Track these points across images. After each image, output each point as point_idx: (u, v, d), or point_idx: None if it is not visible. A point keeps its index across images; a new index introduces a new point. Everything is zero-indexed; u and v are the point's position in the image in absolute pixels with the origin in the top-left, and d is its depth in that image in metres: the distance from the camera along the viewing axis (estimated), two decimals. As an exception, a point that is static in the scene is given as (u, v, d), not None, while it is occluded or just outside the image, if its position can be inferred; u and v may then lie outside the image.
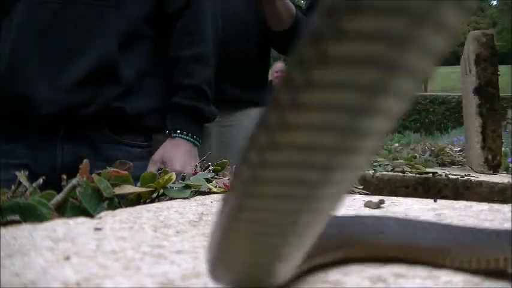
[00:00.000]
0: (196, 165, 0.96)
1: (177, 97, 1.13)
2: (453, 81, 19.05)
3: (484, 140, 1.60)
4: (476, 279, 0.32)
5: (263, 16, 1.45)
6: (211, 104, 1.15)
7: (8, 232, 0.45)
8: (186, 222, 0.53)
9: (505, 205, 0.62)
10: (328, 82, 0.17)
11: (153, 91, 1.15)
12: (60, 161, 1.07)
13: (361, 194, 0.90)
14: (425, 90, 20.41)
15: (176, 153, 1.09)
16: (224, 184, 0.78)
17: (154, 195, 0.70)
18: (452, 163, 1.88)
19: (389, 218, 0.38)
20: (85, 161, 0.63)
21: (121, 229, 0.48)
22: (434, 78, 21.54)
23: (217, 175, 0.88)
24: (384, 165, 1.48)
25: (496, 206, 0.62)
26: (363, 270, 0.34)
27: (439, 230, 0.35)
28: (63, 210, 0.57)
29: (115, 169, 0.66)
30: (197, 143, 1.13)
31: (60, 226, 0.47)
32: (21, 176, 0.59)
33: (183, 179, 0.78)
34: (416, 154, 1.74)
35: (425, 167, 1.52)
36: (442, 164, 1.83)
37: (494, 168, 1.60)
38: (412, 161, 1.56)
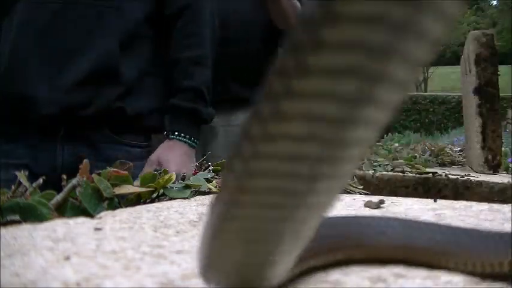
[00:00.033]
0: (196, 165, 0.96)
1: (176, 99, 1.13)
2: (453, 81, 19.06)
3: (484, 140, 1.60)
4: (475, 279, 0.32)
5: (269, 15, 1.45)
6: (208, 106, 1.15)
7: (8, 232, 0.45)
8: (186, 222, 0.53)
9: (505, 205, 0.62)
10: (309, 92, 0.17)
11: (153, 91, 1.15)
12: (60, 161, 1.07)
13: (361, 194, 0.90)
14: (425, 90, 20.42)
15: (172, 155, 1.10)
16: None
17: (154, 195, 0.70)
18: (452, 163, 1.88)
19: (391, 219, 0.38)
20: (85, 161, 0.63)
21: (121, 229, 0.48)
22: (434, 78, 21.54)
23: (217, 175, 0.88)
24: (384, 165, 1.48)
25: (496, 206, 0.62)
26: (363, 270, 0.34)
27: (442, 232, 0.35)
28: (63, 210, 0.57)
29: (115, 169, 0.66)
30: (194, 144, 1.14)
31: (60, 226, 0.48)
32: (21, 176, 0.59)
33: (183, 179, 0.78)
34: (416, 154, 1.74)
35: (425, 167, 1.52)
36: (442, 164, 1.83)
37: (494, 168, 1.60)
38: (412, 161, 1.56)
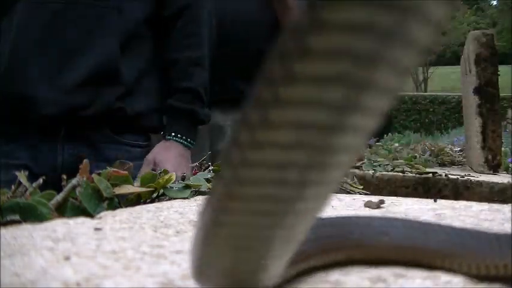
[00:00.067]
0: (196, 165, 0.96)
1: (175, 99, 1.13)
2: (453, 81, 19.05)
3: (484, 140, 1.60)
4: (475, 279, 0.32)
5: (276, 15, 1.45)
6: (205, 107, 1.16)
7: (8, 232, 0.45)
8: (186, 222, 0.53)
9: (505, 205, 0.62)
10: (296, 100, 0.17)
11: (152, 91, 1.16)
12: (60, 161, 1.07)
13: (361, 194, 0.90)
14: (425, 90, 20.42)
15: (168, 156, 1.10)
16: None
17: (154, 195, 0.70)
18: (452, 163, 1.88)
19: (393, 219, 0.38)
20: (85, 161, 0.63)
21: (121, 229, 0.48)
22: (434, 78, 21.54)
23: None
24: (384, 165, 1.48)
25: (496, 206, 0.62)
26: (363, 270, 0.34)
27: (446, 233, 0.34)
28: (63, 210, 0.57)
29: (115, 169, 0.66)
30: (190, 145, 1.14)
31: (60, 226, 0.48)
32: (21, 176, 0.59)
33: (183, 179, 0.78)
34: (416, 154, 1.74)
35: (425, 167, 1.52)
36: (442, 164, 1.83)
37: (494, 168, 1.60)
38: (412, 161, 1.56)
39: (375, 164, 1.47)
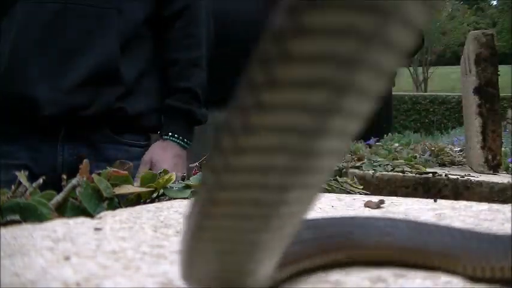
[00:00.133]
0: (196, 165, 0.96)
1: (173, 100, 1.13)
2: (453, 81, 19.05)
3: (484, 140, 1.60)
4: (475, 279, 0.32)
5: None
6: (202, 107, 1.16)
7: (8, 232, 0.45)
8: (186, 222, 0.53)
9: (505, 205, 0.62)
10: (278, 104, 0.17)
11: (152, 91, 1.16)
12: (60, 161, 1.07)
13: (361, 194, 0.90)
14: (425, 90, 20.42)
15: (165, 156, 1.11)
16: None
17: (154, 195, 0.70)
18: (452, 163, 1.88)
19: (398, 220, 0.37)
20: (85, 161, 0.63)
21: (121, 229, 0.48)
22: (434, 78, 21.54)
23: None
24: (384, 165, 1.48)
25: (496, 206, 0.62)
26: (363, 270, 0.34)
27: (451, 234, 0.34)
28: (63, 210, 0.57)
29: (115, 169, 0.66)
30: (186, 146, 1.15)
31: (60, 226, 0.48)
32: (21, 176, 0.59)
33: (183, 179, 0.78)
34: (416, 154, 1.73)
35: (425, 167, 1.52)
36: (442, 164, 1.83)
37: (494, 168, 1.60)
38: (412, 161, 1.56)
39: (375, 164, 1.47)
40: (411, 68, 20.96)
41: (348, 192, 0.90)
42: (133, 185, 0.67)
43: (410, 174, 1.44)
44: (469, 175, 1.45)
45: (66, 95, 1.04)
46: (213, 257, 0.23)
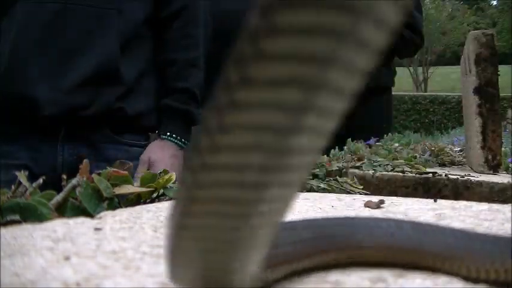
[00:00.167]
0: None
1: (171, 100, 1.14)
2: (453, 81, 19.05)
3: (484, 140, 1.60)
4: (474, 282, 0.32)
5: None
6: (200, 107, 1.17)
7: (8, 232, 0.45)
8: (186, 222, 0.53)
9: (505, 205, 0.62)
10: (252, 103, 0.17)
11: (152, 91, 1.16)
12: (60, 161, 1.07)
13: (361, 194, 0.90)
14: (425, 90, 20.42)
15: (163, 156, 1.11)
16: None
17: (154, 195, 0.70)
18: (452, 163, 1.88)
19: (385, 220, 0.37)
20: (85, 161, 0.63)
21: (121, 229, 0.48)
22: (434, 78, 21.53)
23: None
24: (384, 165, 1.47)
25: (496, 206, 0.62)
26: (363, 270, 0.34)
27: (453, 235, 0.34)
28: (63, 210, 0.57)
29: (115, 169, 0.66)
30: (184, 146, 1.15)
31: (60, 226, 0.48)
32: (21, 176, 0.59)
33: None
34: (416, 154, 1.73)
35: (425, 167, 1.52)
36: (442, 164, 1.83)
37: (494, 168, 1.59)
38: (412, 161, 1.56)
39: (375, 164, 1.47)
40: (411, 68, 20.96)
41: (348, 192, 0.90)
42: (133, 185, 0.67)
43: (410, 174, 1.44)
44: (469, 175, 1.45)
45: (66, 95, 1.04)
46: (196, 255, 0.23)
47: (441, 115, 13.92)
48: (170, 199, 0.69)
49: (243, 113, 0.17)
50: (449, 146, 2.29)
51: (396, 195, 0.85)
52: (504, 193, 1.31)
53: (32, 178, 0.61)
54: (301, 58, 0.16)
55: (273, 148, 0.18)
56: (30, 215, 0.51)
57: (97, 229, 0.47)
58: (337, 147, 1.60)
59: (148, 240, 0.43)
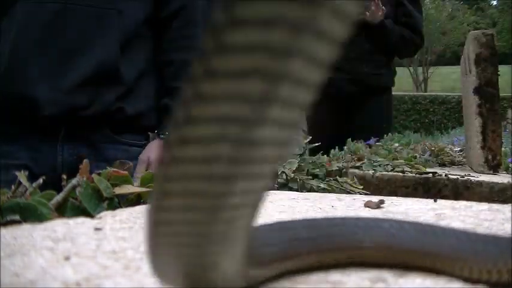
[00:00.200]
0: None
1: (170, 99, 1.14)
2: (453, 81, 19.05)
3: (484, 140, 1.60)
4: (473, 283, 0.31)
5: None
6: None
7: (8, 232, 0.45)
8: (186, 222, 0.53)
9: (505, 205, 0.62)
10: (216, 95, 0.17)
11: (151, 90, 1.16)
12: (60, 161, 1.07)
13: (361, 194, 0.90)
14: (425, 90, 20.42)
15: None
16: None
17: (154, 195, 0.70)
18: (452, 163, 1.88)
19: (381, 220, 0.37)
20: (85, 161, 0.63)
21: (121, 229, 0.48)
22: (434, 78, 21.54)
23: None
24: (384, 165, 1.47)
25: (496, 206, 0.62)
26: (363, 270, 0.34)
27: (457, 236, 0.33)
28: (63, 210, 0.57)
29: (115, 169, 0.66)
30: None
31: (60, 226, 0.48)
32: (21, 176, 0.59)
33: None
34: (416, 154, 1.73)
35: (425, 167, 1.52)
36: (442, 164, 1.83)
37: (494, 168, 1.59)
38: (412, 161, 1.56)
39: (375, 164, 1.47)
40: (411, 68, 20.96)
41: (348, 192, 0.90)
42: (133, 185, 0.67)
43: (410, 174, 1.44)
44: (469, 175, 1.45)
45: (66, 95, 1.04)
46: (172, 250, 0.23)
47: (441, 115, 13.92)
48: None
49: (208, 105, 0.17)
50: (449, 146, 2.29)
51: (396, 195, 0.85)
52: (504, 193, 1.31)
53: (32, 178, 0.61)
54: (261, 50, 0.16)
55: (239, 140, 0.18)
56: (30, 215, 0.51)
57: (97, 229, 0.47)
58: (337, 147, 1.60)
59: (148, 240, 0.43)
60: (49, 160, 1.06)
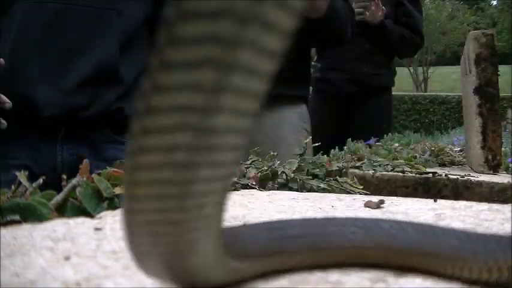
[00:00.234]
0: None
1: None
2: (453, 81, 19.05)
3: (484, 140, 1.60)
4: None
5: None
6: None
7: (8, 232, 0.45)
8: (186, 222, 0.53)
9: (505, 205, 0.62)
10: (171, 85, 0.18)
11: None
12: (60, 161, 1.07)
13: (361, 194, 0.90)
14: (425, 90, 20.41)
15: None
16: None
17: (154, 195, 0.70)
18: (452, 163, 1.88)
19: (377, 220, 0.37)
20: (85, 161, 0.63)
21: (121, 229, 0.48)
22: (434, 78, 21.53)
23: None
24: (384, 165, 1.47)
25: (496, 206, 0.62)
26: (363, 270, 0.34)
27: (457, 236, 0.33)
28: (63, 210, 0.57)
29: (115, 169, 0.66)
30: None
31: (60, 226, 0.48)
32: (21, 176, 0.59)
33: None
34: (416, 154, 1.73)
35: (425, 167, 1.52)
36: (442, 164, 1.83)
37: (494, 168, 1.59)
38: (412, 161, 1.56)
39: (375, 164, 1.47)
40: (411, 68, 20.96)
41: (348, 192, 0.90)
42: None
43: (410, 174, 1.44)
44: (469, 175, 1.45)
45: (66, 95, 1.04)
46: (149, 239, 0.23)
47: (441, 115, 13.92)
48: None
49: (165, 96, 0.18)
50: (449, 146, 2.29)
51: (396, 195, 0.85)
52: (504, 193, 1.31)
53: (32, 178, 0.61)
54: (210, 41, 0.17)
55: (197, 128, 0.19)
56: (30, 215, 0.51)
57: (97, 229, 0.47)
58: (337, 147, 1.60)
59: (148, 240, 0.43)
60: (49, 160, 1.06)
